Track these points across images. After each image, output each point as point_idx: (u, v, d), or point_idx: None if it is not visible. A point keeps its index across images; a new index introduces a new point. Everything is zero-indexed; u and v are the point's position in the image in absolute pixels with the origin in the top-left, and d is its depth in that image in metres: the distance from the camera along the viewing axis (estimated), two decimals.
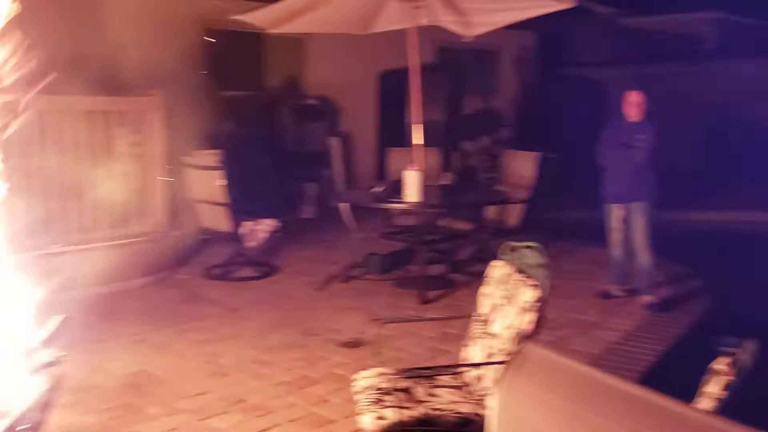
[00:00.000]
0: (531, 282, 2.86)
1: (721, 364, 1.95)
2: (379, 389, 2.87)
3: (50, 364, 2.79)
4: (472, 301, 3.18)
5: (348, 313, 5.36)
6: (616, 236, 5.60)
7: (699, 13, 13.68)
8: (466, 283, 5.90)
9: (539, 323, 2.80)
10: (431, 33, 6.73)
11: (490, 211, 6.48)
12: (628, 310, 5.43)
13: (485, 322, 3.08)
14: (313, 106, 9.46)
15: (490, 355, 2.97)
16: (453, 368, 3.08)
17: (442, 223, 6.48)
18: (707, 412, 1.71)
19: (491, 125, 11.12)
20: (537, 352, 1.66)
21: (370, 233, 6.47)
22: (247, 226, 6.48)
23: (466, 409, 2.78)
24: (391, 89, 9.76)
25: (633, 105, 5.41)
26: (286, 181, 8.48)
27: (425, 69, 6.19)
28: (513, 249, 3.08)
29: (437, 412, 2.74)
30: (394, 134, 9.01)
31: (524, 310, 2.82)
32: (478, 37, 6.64)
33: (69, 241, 5.82)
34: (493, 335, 2.99)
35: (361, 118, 10.18)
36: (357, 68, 9.90)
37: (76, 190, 5.98)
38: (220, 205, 6.32)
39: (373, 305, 5.51)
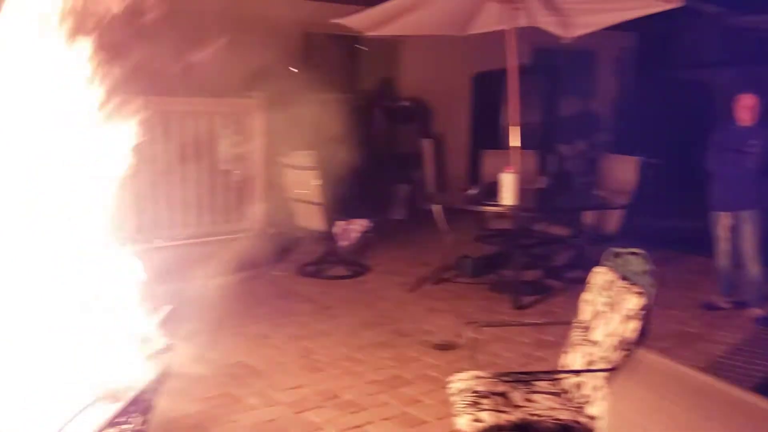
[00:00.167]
0: (636, 289, 2.78)
1: None
2: (475, 392, 2.86)
3: (161, 352, 2.92)
4: (568, 308, 3.12)
5: (439, 315, 5.35)
6: (723, 246, 5.35)
7: None
8: (561, 290, 5.78)
9: (643, 332, 2.71)
10: (527, 34, 6.63)
11: (588, 217, 6.32)
12: (734, 323, 5.18)
13: (586, 329, 3.01)
14: (406, 108, 9.50)
15: (590, 363, 2.90)
16: (552, 374, 3.02)
17: (537, 227, 6.36)
18: None
19: (588, 128, 10.85)
20: (649, 358, 1.61)
21: (463, 236, 6.43)
22: (340, 226, 6.58)
23: (564, 416, 2.73)
24: (486, 91, 9.69)
25: (746, 108, 5.15)
26: (379, 183, 8.55)
27: (521, 70, 6.11)
28: (617, 255, 3.00)
29: (535, 418, 2.70)
30: (488, 136, 8.94)
31: (628, 317, 2.74)
32: (577, 38, 6.49)
33: (173, 236, 6.08)
34: (593, 342, 2.92)
35: (453, 120, 10.15)
36: (450, 70, 9.88)
37: (180, 187, 6.25)
38: (315, 204, 6.44)
39: (465, 308, 5.48)
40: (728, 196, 5.24)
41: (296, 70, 8.58)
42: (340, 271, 6.56)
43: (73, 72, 2.82)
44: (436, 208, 6.11)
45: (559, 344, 3.14)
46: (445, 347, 4.63)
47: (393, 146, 9.25)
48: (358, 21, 6.23)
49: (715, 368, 4.37)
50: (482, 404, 2.75)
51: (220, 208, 6.59)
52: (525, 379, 2.98)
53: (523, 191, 5.54)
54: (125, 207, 3.06)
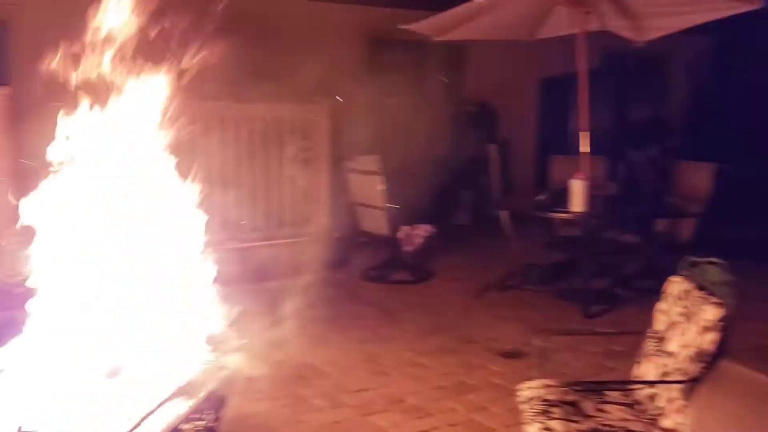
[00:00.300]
0: (714, 299, 2.68)
1: None
2: (545, 401, 2.81)
3: (233, 351, 2.98)
4: (639, 318, 3.04)
5: (506, 322, 5.30)
6: None
7: None
8: (632, 299, 5.64)
9: (722, 343, 2.61)
10: (596, 37, 6.51)
11: (660, 225, 6.14)
12: None
13: (660, 339, 2.92)
14: (472, 113, 9.45)
15: (664, 374, 2.81)
16: (625, 384, 2.95)
17: (607, 235, 6.22)
18: None
19: (660, 134, 10.55)
20: (736, 370, 1.56)
21: (529, 243, 6.35)
22: (404, 231, 6.59)
23: (638, 427, 2.65)
24: (554, 95, 9.55)
25: None
26: (444, 188, 8.53)
27: (590, 75, 6.00)
28: (694, 264, 2.90)
29: (607, 429, 2.64)
30: (556, 141, 8.81)
31: (705, 328, 2.65)
32: (649, 42, 6.34)
33: (241, 238, 6.20)
34: (668, 353, 2.83)
35: (520, 125, 10.04)
36: (517, 74, 9.78)
37: (249, 190, 6.38)
38: (379, 209, 6.47)
39: (531, 316, 5.40)
40: None
41: (365, 76, 8.64)
42: (404, 276, 6.57)
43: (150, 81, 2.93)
44: (503, 214, 6.06)
45: (630, 355, 3.06)
46: (511, 355, 4.58)
47: (458, 151, 9.21)
48: (426, 26, 6.24)
49: None
50: (552, 413, 2.70)
51: (286, 211, 6.70)
52: (596, 388, 2.92)
53: (592, 198, 5.43)
54: (202, 210, 3.15)
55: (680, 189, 6.38)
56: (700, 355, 2.62)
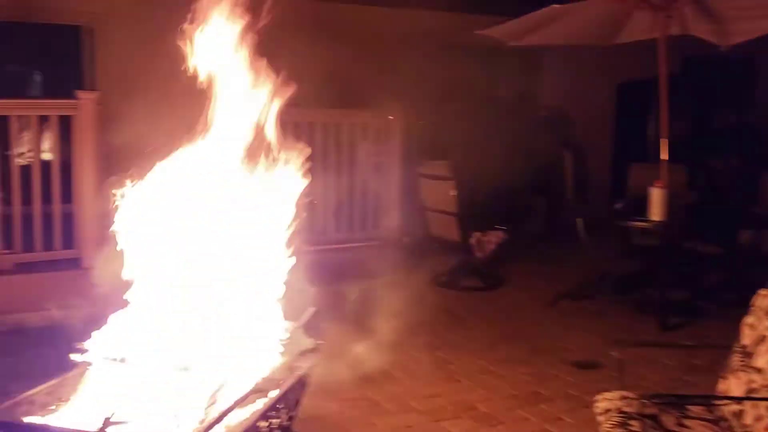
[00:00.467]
0: None
1: None
2: (623, 413, 2.74)
3: (307, 352, 3.03)
4: (721, 332, 2.93)
5: (579, 332, 5.19)
6: None
7: None
8: (712, 312, 5.43)
9: None
10: (676, 41, 6.32)
11: (745, 236, 5.90)
12: None
13: (747, 354, 2.81)
14: (546, 118, 9.32)
15: (750, 391, 2.70)
16: (710, 399, 2.84)
17: (687, 245, 6.02)
18: None
19: (744, 142, 10.14)
20: None
21: (605, 251, 6.21)
22: (475, 237, 6.54)
23: None
24: (631, 101, 9.32)
25: None
26: (517, 194, 8.42)
27: (670, 80, 5.83)
28: None
29: None
30: (633, 148, 8.59)
31: None
32: (734, 46, 6.11)
33: (313, 241, 6.28)
34: (756, 369, 2.71)
35: (595, 131, 9.83)
36: (593, 79, 9.58)
37: (321, 194, 6.46)
38: (450, 214, 6.44)
39: (605, 327, 5.27)
40: None
41: (434, 81, 8.62)
42: (476, 282, 6.51)
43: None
44: (578, 222, 5.94)
45: (711, 370, 2.96)
46: (585, 366, 4.49)
47: (532, 157, 9.09)
48: (502, 31, 6.20)
49: None
50: (631, 425, 2.63)
51: (357, 216, 6.76)
52: (679, 402, 2.82)
53: (672, 206, 5.27)
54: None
55: (766, 199, 6.12)
56: None
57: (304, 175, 3.18)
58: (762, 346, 2.73)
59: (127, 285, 2.86)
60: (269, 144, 3.03)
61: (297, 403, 3.00)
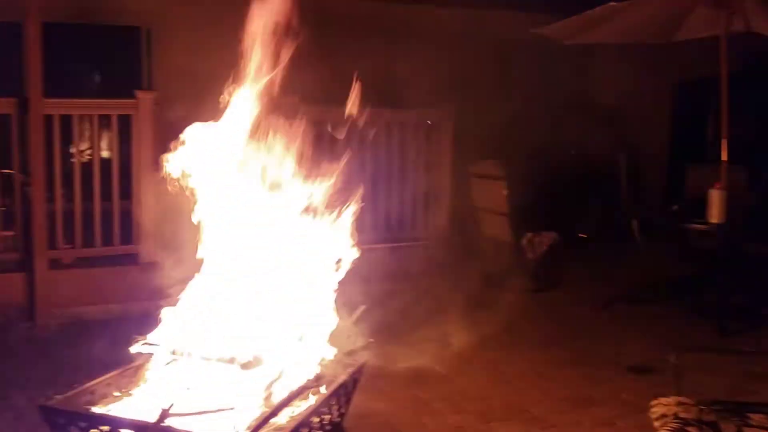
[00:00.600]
0: None
1: None
2: (680, 419, 2.67)
3: (359, 349, 3.05)
4: None
5: (633, 336, 5.09)
6: None
7: None
8: None
9: None
10: (739, 38, 6.13)
11: None
12: None
13: None
14: (600, 118, 9.15)
15: None
16: None
17: (747, 248, 5.84)
18: None
19: None
20: None
21: (660, 254, 6.06)
22: (527, 237, 6.47)
23: None
24: (689, 101, 9.09)
25: None
26: (569, 195, 8.31)
27: (732, 79, 5.66)
28: None
29: None
30: (690, 149, 8.38)
31: None
32: None
33: (364, 240, 6.30)
34: None
35: (652, 131, 9.62)
36: (649, 78, 9.37)
37: (371, 193, 6.48)
38: (502, 214, 6.39)
39: (661, 331, 5.15)
40: None
41: (488, 81, 8.57)
42: (527, 284, 6.44)
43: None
44: (633, 224, 5.82)
45: None
46: (639, 370, 4.39)
47: (586, 157, 8.95)
48: (557, 29, 6.11)
49: None
50: None
51: (407, 214, 6.76)
52: (741, 409, 2.74)
53: (732, 209, 5.12)
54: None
55: None
56: None
57: (356, 174, 3.20)
58: None
59: (184, 280, 2.93)
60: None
61: (348, 400, 3.03)
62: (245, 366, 2.52)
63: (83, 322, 4.99)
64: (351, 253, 3.12)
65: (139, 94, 5.58)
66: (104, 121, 5.62)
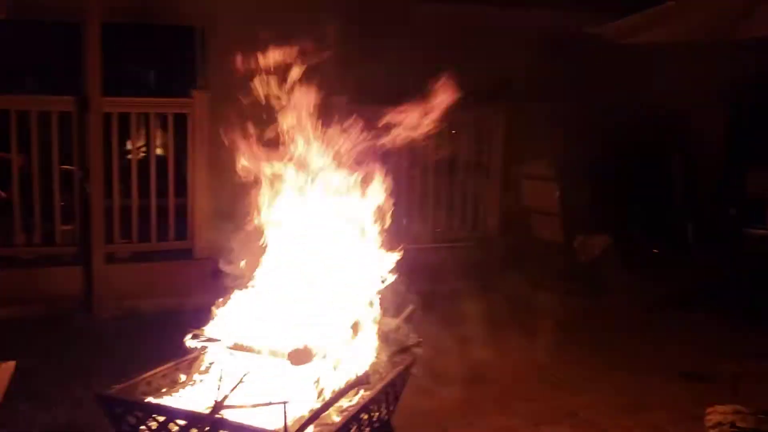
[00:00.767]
0: None
1: None
2: (737, 427, 2.62)
3: (409, 348, 3.06)
4: None
5: (686, 341, 4.98)
6: None
7: None
8: None
9: None
10: None
11: None
12: None
13: None
14: (653, 119, 8.96)
15: None
16: None
17: None
18: None
19: None
20: None
21: (715, 258, 5.92)
22: (579, 240, 6.39)
23: None
24: (749, 101, 8.81)
25: None
26: (623, 196, 8.16)
27: None
28: None
29: None
30: (750, 151, 8.13)
31: None
32: None
33: (413, 240, 6.31)
34: None
35: (708, 132, 9.36)
36: (705, 77, 9.11)
37: (420, 193, 6.49)
38: (554, 216, 6.32)
39: (714, 337, 5.05)
40: None
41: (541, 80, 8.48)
42: (578, 286, 6.34)
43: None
44: (688, 227, 5.70)
45: None
46: (692, 376, 4.30)
47: (640, 159, 8.77)
48: (613, 29, 6.04)
49: None
50: None
51: (457, 214, 6.73)
52: None
53: None
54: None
55: None
56: None
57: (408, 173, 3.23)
58: None
59: (238, 276, 2.98)
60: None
61: (396, 398, 3.04)
62: (297, 361, 2.55)
63: (138, 315, 5.12)
64: (399, 254, 3.12)
65: (195, 93, 5.70)
66: (160, 119, 5.76)
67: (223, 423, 2.33)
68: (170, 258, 5.58)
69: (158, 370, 2.77)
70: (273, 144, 3.13)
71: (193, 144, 5.61)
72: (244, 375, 2.43)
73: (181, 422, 2.38)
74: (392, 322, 3.18)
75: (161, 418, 2.43)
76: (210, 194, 5.57)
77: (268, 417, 2.34)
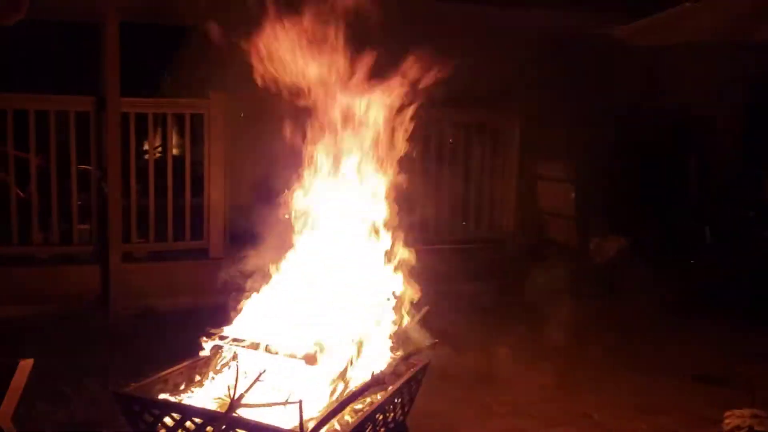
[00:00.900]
0: None
1: None
2: (755, 431, 2.60)
3: (424, 349, 3.06)
4: None
5: (701, 344, 4.96)
6: None
7: None
8: None
9: None
10: None
11: None
12: None
13: None
14: (669, 120, 8.91)
15: None
16: None
17: None
18: None
19: None
20: None
21: (732, 260, 5.88)
22: (594, 242, 6.36)
23: None
24: (766, 103, 8.75)
25: None
26: (639, 199, 8.12)
27: None
28: None
29: None
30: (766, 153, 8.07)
31: None
32: None
33: (428, 240, 6.31)
34: None
35: (724, 134, 9.29)
36: (721, 79, 9.03)
37: (435, 194, 6.48)
38: (569, 218, 6.30)
39: (728, 340, 5.02)
40: None
41: (555, 81, 8.46)
42: (593, 289, 6.32)
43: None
44: (706, 230, 5.66)
45: None
46: (706, 379, 4.28)
47: (656, 161, 8.73)
48: (629, 30, 6.02)
49: None
50: None
51: (472, 216, 6.72)
52: None
53: None
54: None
55: None
56: None
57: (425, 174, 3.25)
58: None
59: (253, 276, 3.00)
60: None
61: (411, 399, 3.04)
62: (312, 361, 2.57)
63: (155, 314, 5.17)
64: (415, 255, 3.13)
65: (212, 93, 5.73)
66: (177, 119, 5.79)
67: (239, 421, 2.35)
68: (186, 257, 5.62)
69: (174, 368, 2.80)
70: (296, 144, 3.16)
71: (209, 144, 5.65)
72: (261, 374, 2.45)
73: (198, 420, 2.41)
74: (407, 324, 3.19)
75: (177, 416, 2.45)
76: (226, 194, 5.60)
77: (283, 416, 2.36)
